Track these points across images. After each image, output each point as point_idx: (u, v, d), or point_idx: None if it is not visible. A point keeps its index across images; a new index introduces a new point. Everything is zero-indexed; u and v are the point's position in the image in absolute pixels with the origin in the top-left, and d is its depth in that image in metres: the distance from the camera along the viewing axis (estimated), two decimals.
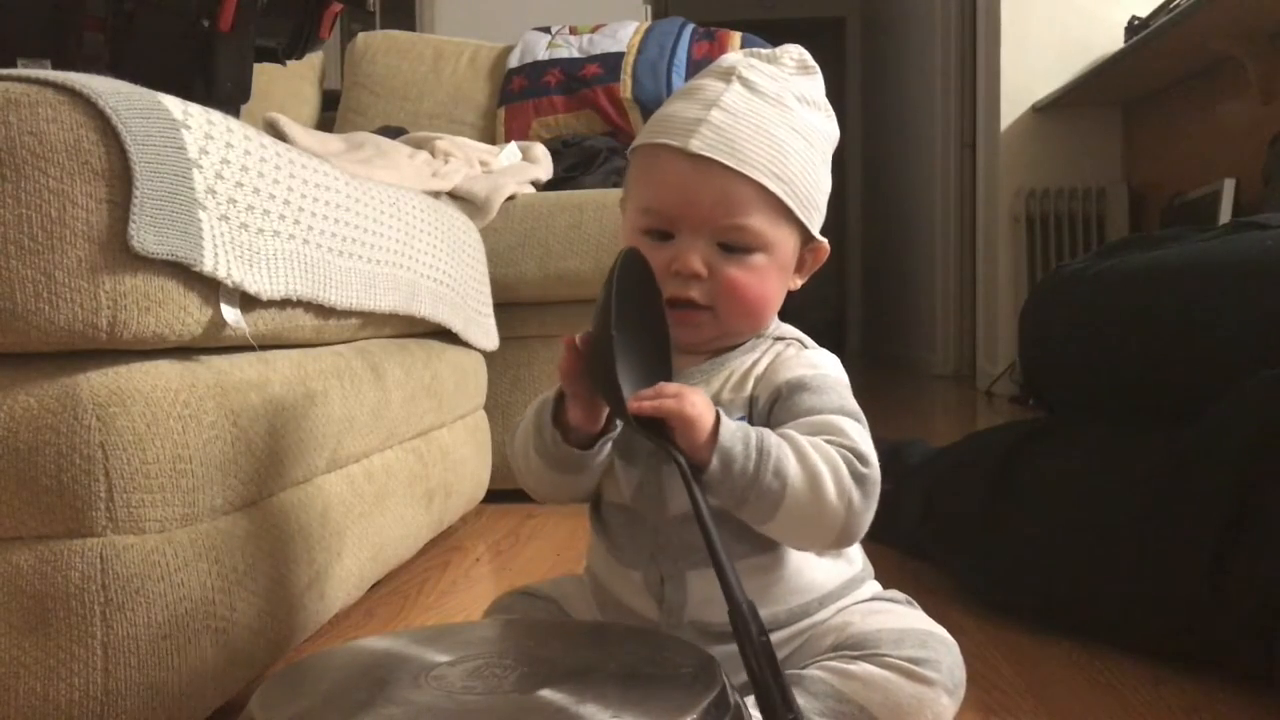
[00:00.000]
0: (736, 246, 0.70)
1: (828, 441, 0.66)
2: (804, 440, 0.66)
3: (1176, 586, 0.90)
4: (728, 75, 0.72)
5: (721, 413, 0.65)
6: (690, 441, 0.63)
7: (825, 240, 0.76)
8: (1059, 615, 1.05)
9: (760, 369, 0.72)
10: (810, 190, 0.72)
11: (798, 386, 0.70)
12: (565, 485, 0.75)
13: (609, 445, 0.73)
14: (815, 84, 0.75)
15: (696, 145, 0.69)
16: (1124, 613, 0.98)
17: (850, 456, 0.66)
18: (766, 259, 0.71)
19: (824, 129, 0.75)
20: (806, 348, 0.74)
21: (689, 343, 0.73)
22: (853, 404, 0.71)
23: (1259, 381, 0.89)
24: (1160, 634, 0.95)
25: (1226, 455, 0.89)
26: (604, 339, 0.64)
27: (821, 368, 0.72)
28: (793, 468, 0.64)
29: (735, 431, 0.64)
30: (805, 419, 0.68)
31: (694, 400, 0.64)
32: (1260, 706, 0.86)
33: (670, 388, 0.64)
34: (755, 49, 0.77)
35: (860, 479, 0.66)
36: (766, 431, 0.66)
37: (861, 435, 0.68)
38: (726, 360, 0.73)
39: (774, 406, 0.70)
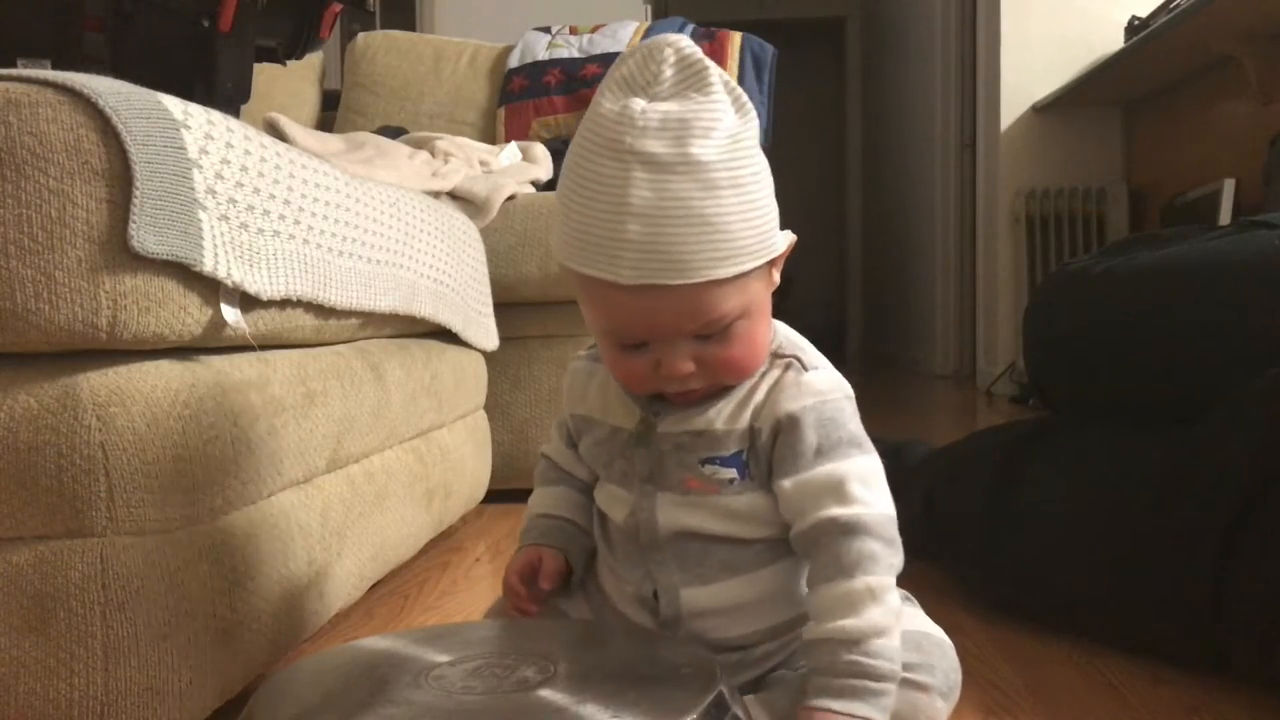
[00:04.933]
0: (716, 332, 0.65)
1: (833, 521, 0.65)
2: (854, 622, 0.63)
3: (1179, 587, 0.90)
4: (621, 157, 0.60)
5: (838, 707, 0.62)
6: None
7: (788, 234, 0.68)
8: (1060, 615, 1.05)
9: (760, 396, 0.68)
10: (760, 230, 0.64)
11: (799, 421, 0.67)
12: None
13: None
14: (709, 91, 0.62)
15: (629, 276, 0.61)
16: (1126, 613, 0.98)
17: (871, 551, 0.64)
18: (748, 320, 0.66)
19: (741, 140, 0.62)
20: (806, 369, 0.69)
21: (692, 402, 0.70)
22: (855, 428, 0.68)
23: (1264, 381, 0.89)
24: (1162, 634, 0.95)
25: (1231, 455, 0.88)
26: None
27: (824, 394, 0.68)
28: (892, 646, 0.63)
29: (866, 704, 0.62)
30: (809, 476, 0.66)
31: None
32: (1260, 706, 0.86)
33: None
34: (624, 74, 0.63)
35: (881, 564, 0.64)
36: (853, 661, 0.62)
37: (865, 475, 0.66)
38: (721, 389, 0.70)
39: (776, 440, 0.68)
